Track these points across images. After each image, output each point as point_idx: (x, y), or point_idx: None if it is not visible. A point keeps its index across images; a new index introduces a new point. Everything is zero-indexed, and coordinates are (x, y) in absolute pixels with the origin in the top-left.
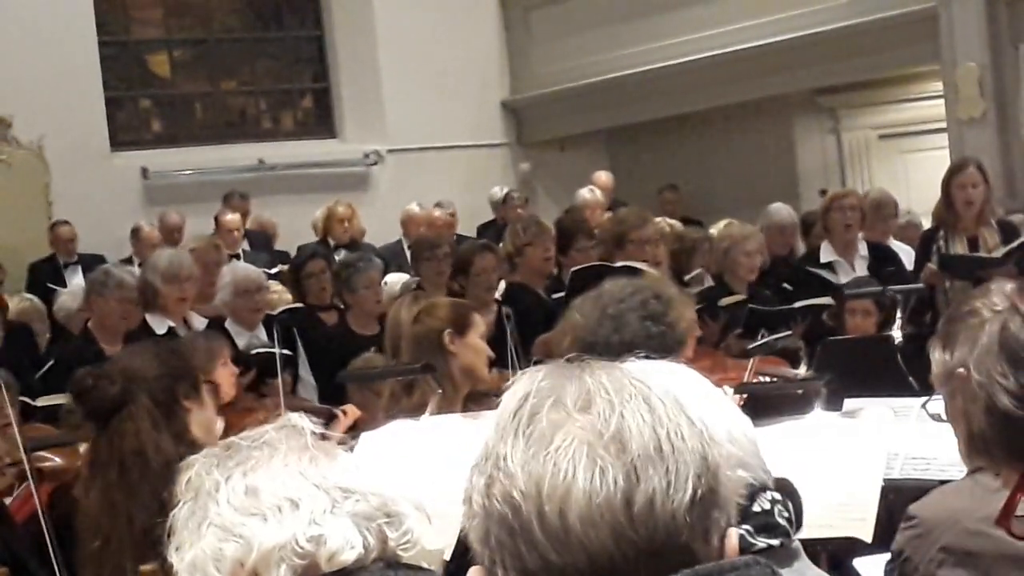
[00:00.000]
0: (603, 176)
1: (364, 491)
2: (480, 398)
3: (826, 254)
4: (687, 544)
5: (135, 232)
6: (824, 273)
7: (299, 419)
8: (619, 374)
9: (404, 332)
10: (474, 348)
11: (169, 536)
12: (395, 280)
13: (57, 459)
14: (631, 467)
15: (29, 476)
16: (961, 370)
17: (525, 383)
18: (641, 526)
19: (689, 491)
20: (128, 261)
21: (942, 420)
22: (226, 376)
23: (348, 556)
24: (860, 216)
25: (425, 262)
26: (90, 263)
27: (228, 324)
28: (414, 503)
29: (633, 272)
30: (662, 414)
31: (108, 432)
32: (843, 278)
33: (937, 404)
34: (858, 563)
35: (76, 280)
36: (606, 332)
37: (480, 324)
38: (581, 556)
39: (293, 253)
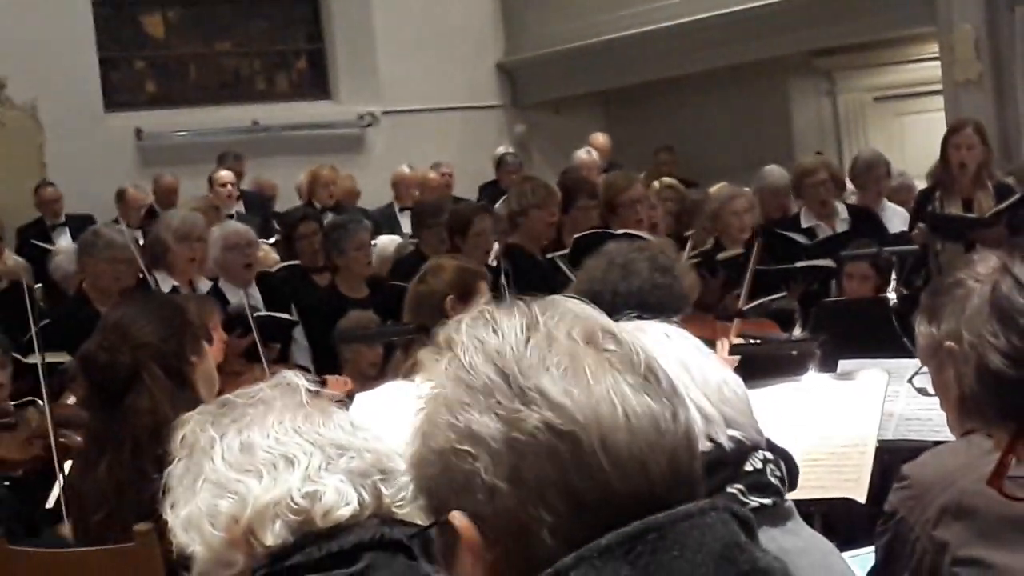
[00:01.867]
0: (600, 138)
1: (359, 448)
2: None
3: (807, 219)
4: (700, 481)
5: (120, 194)
6: (797, 237)
7: (294, 376)
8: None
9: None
10: None
11: (164, 493)
12: (386, 243)
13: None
14: (671, 397)
15: (54, 452)
16: (949, 343)
17: (516, 317)
18: (690, 455)
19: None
20: (115, 223)
21: (929, 394)
22: (215, 340)
23: (343, 512)
24: (832, 186)
25: (427, 229)
26: (78, 224)
27: (221, 284)
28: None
29: (635, 239)
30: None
31: (122, 409)
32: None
33: (924, 379)
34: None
35: (63, 241)
36: (614, 279)
37: (485, 292)
38: (643, 482)
39: None
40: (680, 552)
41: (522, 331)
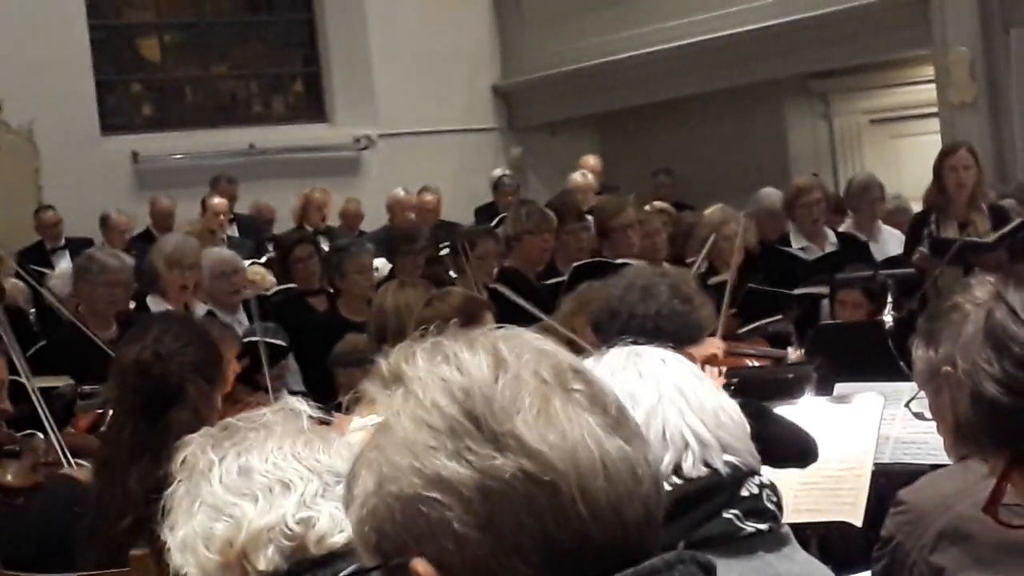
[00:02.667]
0: (591, 160)
1: None
2: None
3: (796, 241)
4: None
5: (104, 220)
6: (797, 252)
7: (297, 403)
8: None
9: (389, 317)
10: None
11: (163, 515)
12: (383, 266)
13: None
14: (641, 438)
15: (69, 462)
16: (947, 368)
17: (479, 353)
18: (659, 501)
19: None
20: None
21: (925, 419)
22: (231, 370)
23: (337, 540)
24: (825, 207)
25: (402, 256)
26: (78, 247)
27: (212, 309)
28: None
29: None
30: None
31: (164, 421)
32: None
33: (921, 403)
34: None
35: (63, 264)
36: (633, 299)
37: (490, 322)
38: (619, 530)
39: None
40: None
41: (489, 369)
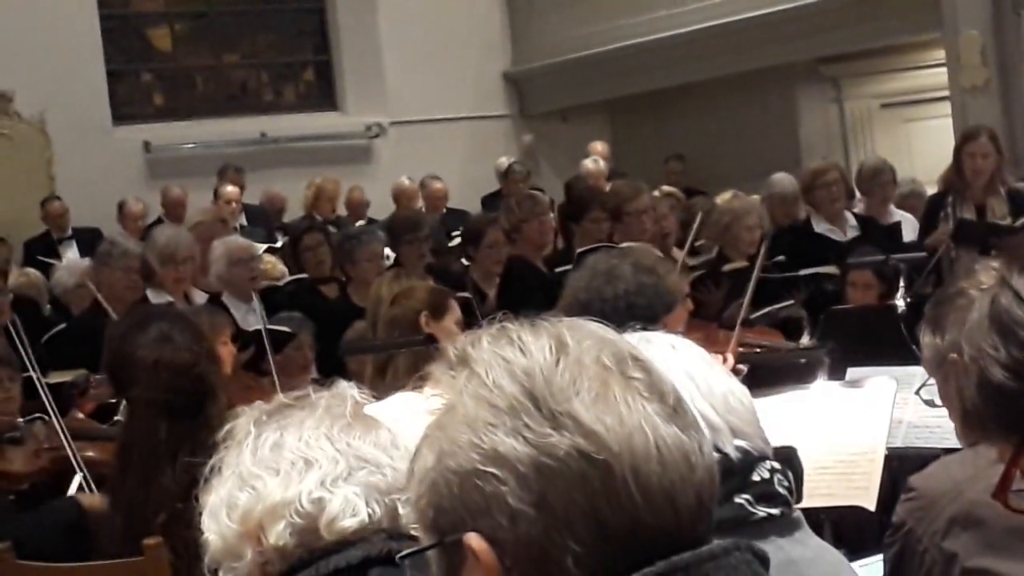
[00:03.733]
0: (599, 146)
1: (383, 464)
2: None
3: (817, 225)
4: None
5: (120, 207)
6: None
7: (348, 388)
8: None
9: (381, 312)
10: (448, 332)
11: (205, 482)
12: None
13: (90, 452)
14: (696, 429)
15: (75, 460)
16: (953, 355)
17: (543, 337)
18: (713, 491)
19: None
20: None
21: (936, 406)
22: (226, 353)
23: (347, 524)
24: (844, 188)
25: (406, 244)
26: (85, 237)
27: (225, 298)
28: None
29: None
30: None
31: (204, 415)
32: None
33: (931, 390)
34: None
35: (70, 255)
36: (599, 284)
37: (456, 310)
38: (670, 516)
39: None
40: None
41: (551, 352)
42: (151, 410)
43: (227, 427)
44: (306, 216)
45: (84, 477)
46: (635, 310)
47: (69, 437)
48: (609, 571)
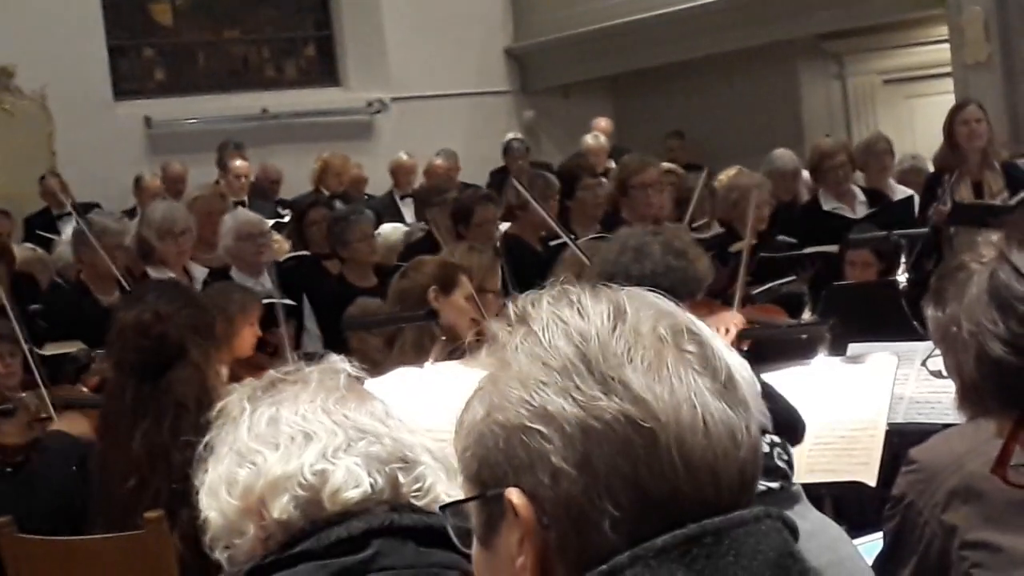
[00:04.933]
0: (602, 122)
1: (381, 434)
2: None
3: (826, 202)
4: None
5: (138, 181)
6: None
7: (340, 362)
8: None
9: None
10: (458, 307)
11: (200, 460)
12: (388, 231)
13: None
14: (746, 407)
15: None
16: (953, 328)
17: (602, 302)
18: (756, 468)
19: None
20: (132, 212)
21: (943, 376)
22: (250, 334)
23: (351, 495)
24: (851, 168)
25: (435, 207)
26: (85, 213)
27: (232, 272)
28: (438, 456)
29: None
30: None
31: (166, 379)
32: None
33: (936, 361)
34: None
35: (69, 230)
36: (627, 261)
37: (466, 285)
38: (711, 490)
39: None
40: (735, 558)
41: (609, 318)
42: (118, 372)
43: (219, 405)
44: (314, 191)
45: None
46: (659, 290)
47: (54, 407)
48: (645, 536)
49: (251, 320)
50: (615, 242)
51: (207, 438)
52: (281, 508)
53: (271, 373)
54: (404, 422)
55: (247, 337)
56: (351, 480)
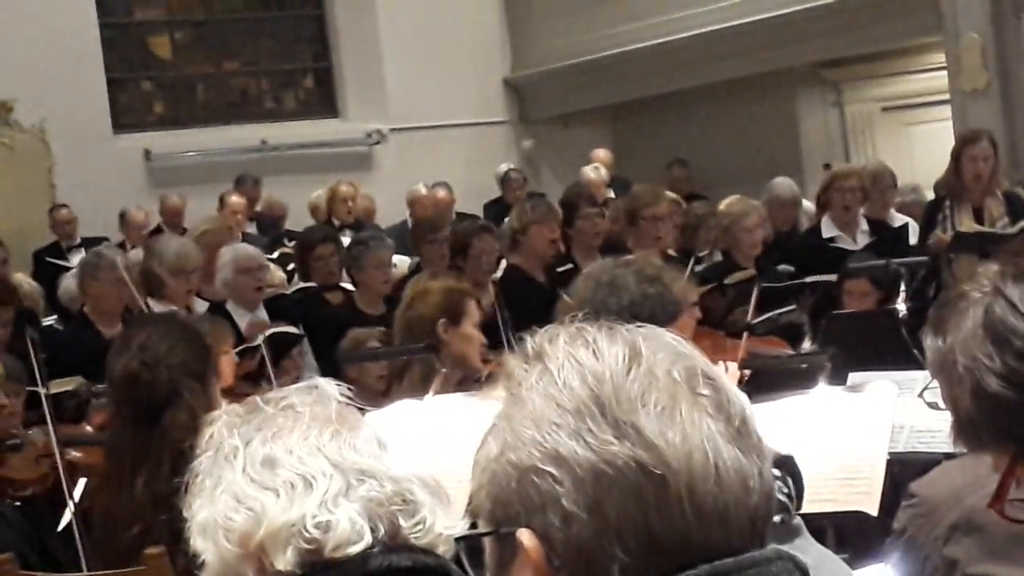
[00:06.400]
0: (601, 153)
1: (381, 475)
2: (471, 384)
3: (828, 229)
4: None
5: (123, 216)
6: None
7: (327, 386)
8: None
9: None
10: (467, 337)
11: (187, 490)
12: (401, 261)
13: (80, 454)
14: (759, 452)
15: (60, 470)
16: (951, 361)
17: (618, 343)
18: (768, 514)
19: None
20: (121, 246)
21: (939, 408)
22: (227, 363)
23: (355, 549)
24: (861, 196)
25: (427, 245)
26: (94, 246)
27: (229, 305)
28: (431, 486)
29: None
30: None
31: (160, 426)
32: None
33: (934, 393)
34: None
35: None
36: (602, 296)
37: (474, 312)
38: (722, 537)
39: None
40: None
41: (624, 360)
42: (117, 420)
43: (207, 432)
44: (325, 222)
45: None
46: (639, 320)
47: (61, 446)
48: None
49: (225, 348)
50: (588, 279)
51: (194, 465)
52: (285, 561)
53: (255, 399)
54: (393, 453)
55: (226, 365)
56: (354, 535)
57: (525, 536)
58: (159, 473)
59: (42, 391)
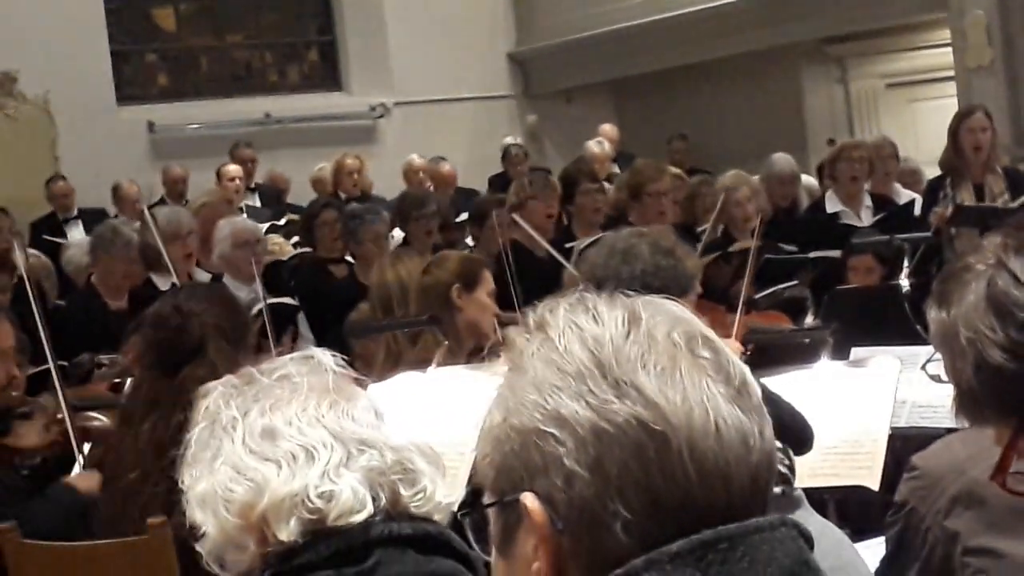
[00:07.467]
0: (608, 128)
1: (381, 445)
2: (483, 354)
3: (831, 204)
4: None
5: (115, 190)
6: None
7: (323, 356)
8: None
9: (392, 290)
10: (481, 304)
11: (184, 459)
12: (400, 235)
13: (103, 419)
14: (760, 413)
15: (71, 435)
16: (953, 333)
17: (618, 308)
18: (769, 474)
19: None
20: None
21: (942, 381)
22: None
23: (358, 517)
24: (868, 168)
25: (413, 221)
26: (91, 218)
27: (226, 279)
28: (429, 455)
29: None
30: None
31: (181, 375)
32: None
33: (937, 366)
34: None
35: (75, 235)
36: (616, 264)
37: (489, 280)
38: (722, 495)
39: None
40: (749, 565)
41: (623, 324)
42: (139, 366)
43: (203, 403)
44: (331, 193)
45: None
46: (650, 291)
47: (71, 411)
48: (657, 540)
49: None
50: (602, 246)
51: (190, 435)
52: (288, 531)
53: (248, 369)
54: (392, 421)
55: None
56: (357, 504)
57: (528, 499)
58: (168, 423)
59: (52, 366)
